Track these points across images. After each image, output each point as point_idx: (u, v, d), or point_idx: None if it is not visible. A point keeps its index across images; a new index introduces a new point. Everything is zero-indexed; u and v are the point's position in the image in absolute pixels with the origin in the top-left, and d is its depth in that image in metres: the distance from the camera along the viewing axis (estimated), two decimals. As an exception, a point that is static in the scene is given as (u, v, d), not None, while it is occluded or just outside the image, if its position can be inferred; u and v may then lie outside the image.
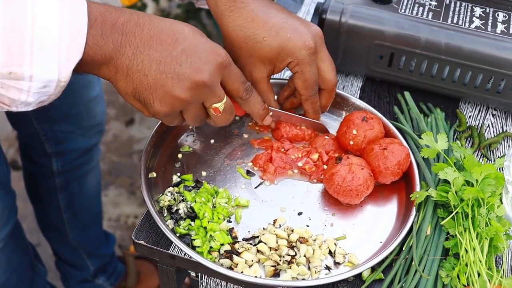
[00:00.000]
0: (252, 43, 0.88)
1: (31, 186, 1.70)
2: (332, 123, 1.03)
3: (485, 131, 1.04)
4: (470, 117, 1.07)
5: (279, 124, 0.99)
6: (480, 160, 1.00)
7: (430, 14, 1.01)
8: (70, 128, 1.50)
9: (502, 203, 0.86)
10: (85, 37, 0.71)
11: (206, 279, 0.91)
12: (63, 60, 0.70)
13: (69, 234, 1.72)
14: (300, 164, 0.95)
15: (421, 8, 1.02)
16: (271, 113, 0.94)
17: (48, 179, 1.60)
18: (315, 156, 0.95)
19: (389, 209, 0.91)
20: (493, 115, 1.07)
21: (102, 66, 0.76)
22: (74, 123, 1.49)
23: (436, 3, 1.03)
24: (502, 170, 0.87)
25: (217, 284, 0.91)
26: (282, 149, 0.97)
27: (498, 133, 1.04)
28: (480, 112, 1.08)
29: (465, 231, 0.82)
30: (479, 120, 1.06)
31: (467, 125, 1.05)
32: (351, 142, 0.95)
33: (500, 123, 1.06)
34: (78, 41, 0.71)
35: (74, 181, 1.62)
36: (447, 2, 1.04)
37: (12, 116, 1.51)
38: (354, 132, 0.95)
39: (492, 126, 1.05)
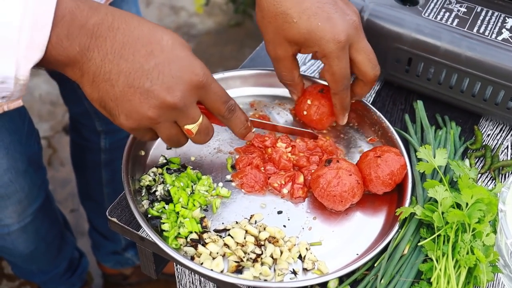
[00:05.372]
0: (281, 21, 0.85)
1: (77, 157, 1.73)
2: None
3: (501, 153, 0.96)
4: (488, 135, 0.99)
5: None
6: (489, 184, 0.92)
7: (456, 20, 0.94)
8: None
9: (495, 231, 0.79)
10: (48, 35, 0.65)
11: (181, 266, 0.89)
12: (22, 58, 0.65)
13: (106, 207, 1.73)
14: (285, 191, 0.88)
15: (447, 14, 0.95)
16: (254, 130, 0.88)
17: (95, 154, 1.61)
18: (301, 180, 0.89)
19: (375, 221, 0.86)
20: (514, 137, 0.99)
21: (67, 68, 0.71)
22: None
23: (465, 10, 0.96)
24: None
25: (192, 272, 0.89)
26: (262, 168, 0.90)
27: (516, 156, 0.96)
28: (501, 132, 0.99)
29: (443, 256, 0.76)
30: (498, 139, 0.98)
31: (483, 143, 0.97)
32: (305, 112, 0.94)
33: (520, 146, 0.98)
34: (39, 39, 0.65)
35: (119, 158, 1.63)
36: (478, 10, 0.96)
37: (64, 93, 1.54)
38: (309, 102, 0.94)
39: (511, 148, 0.97)
